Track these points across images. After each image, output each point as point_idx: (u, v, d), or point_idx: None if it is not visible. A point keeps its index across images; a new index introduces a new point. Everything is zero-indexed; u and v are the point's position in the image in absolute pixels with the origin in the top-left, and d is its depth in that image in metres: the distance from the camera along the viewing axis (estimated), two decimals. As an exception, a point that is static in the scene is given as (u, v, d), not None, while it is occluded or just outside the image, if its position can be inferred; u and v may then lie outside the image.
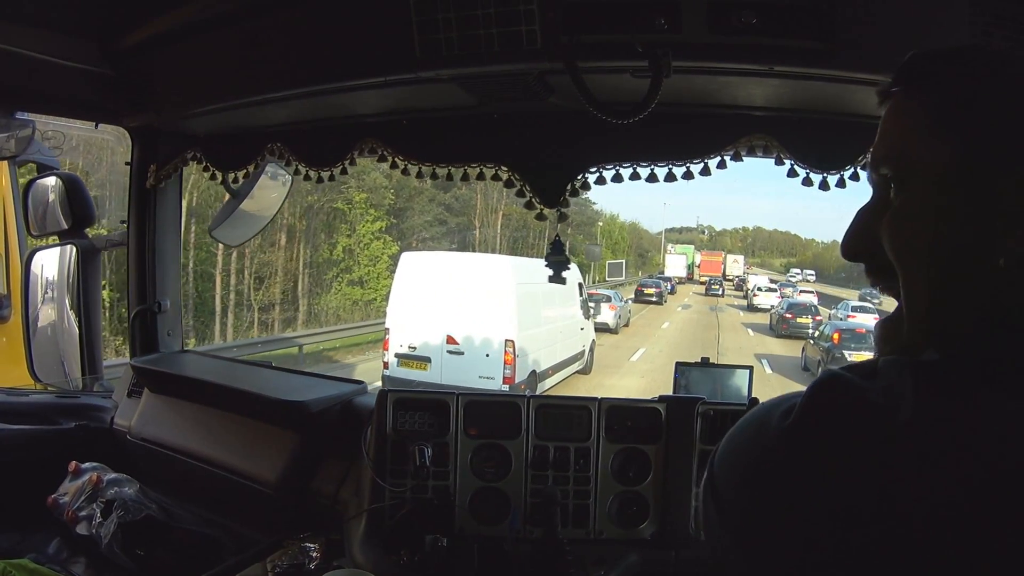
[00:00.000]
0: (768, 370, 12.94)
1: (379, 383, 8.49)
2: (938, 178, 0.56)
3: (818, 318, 18.66)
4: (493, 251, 24.61)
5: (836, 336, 12.98)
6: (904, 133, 0.59)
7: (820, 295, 31.19)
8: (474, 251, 21.93)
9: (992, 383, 0.48)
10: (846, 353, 12.32)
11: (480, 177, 1.54)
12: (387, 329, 9.09)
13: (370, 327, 15.82)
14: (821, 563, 0.47)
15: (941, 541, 0.44)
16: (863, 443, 0.48)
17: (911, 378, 0.49)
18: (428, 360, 8.64)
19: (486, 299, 8.48)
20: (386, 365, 8.97)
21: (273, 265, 19.87)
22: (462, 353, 8.50)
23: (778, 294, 30.30)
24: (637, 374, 12.30)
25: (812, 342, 14.46)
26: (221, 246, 16.23)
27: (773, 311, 22.57)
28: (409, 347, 8.78)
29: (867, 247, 0.61)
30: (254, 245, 17.90)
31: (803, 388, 0.54)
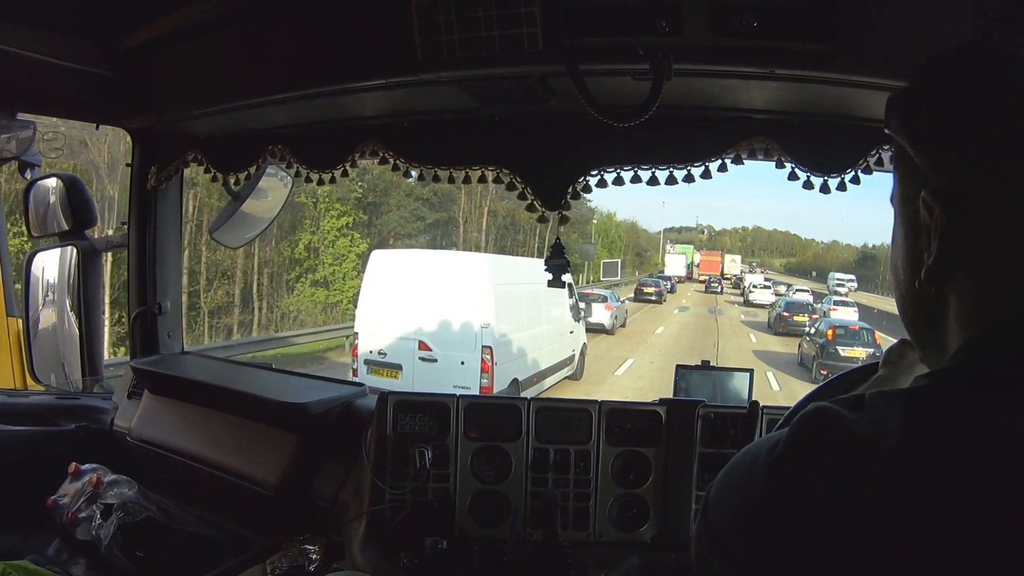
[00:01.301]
0: (776, 387, 11.88)
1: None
2: (897, 202, 0.60)
3: (814, 316, 19.13)
4: (479, 250, 22.63)
5: (830, 333, 13.21)
6: (894, 162, 0.62)
7: (815, 294, 31.58)
8: (458, 250, 19.97)
9: (975, 402, 0.48)
10: (839, 349, 12.59)
11: (482, 180, 1.54)
12: (356, 333, 8.43)
13: (331, 331, 14.82)
14: None
15: (926, 563, 0.44)
16: (848, 472, 0.48)
17: (900, 408, 0.49)
18: (399, 368, 7.98)
19: (461, 301, 7.82)
20: (355, 372, 8.22)
21: (222, 264, 17.77)
22: (435, 360, 7.84)
23: (771, 291, 32.54)
24: (619, 394, 10.66)
25: (808, 339, 14.69)
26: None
27: (772, 310, 23.37)
28: (379, 353, 8.09)
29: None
30: (201, 241, 16.18)
31: (811, 386, 0.54)
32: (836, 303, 21.72)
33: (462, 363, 7.75)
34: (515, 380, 8.38)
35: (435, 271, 8.32)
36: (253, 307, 18.81)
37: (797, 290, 33.80)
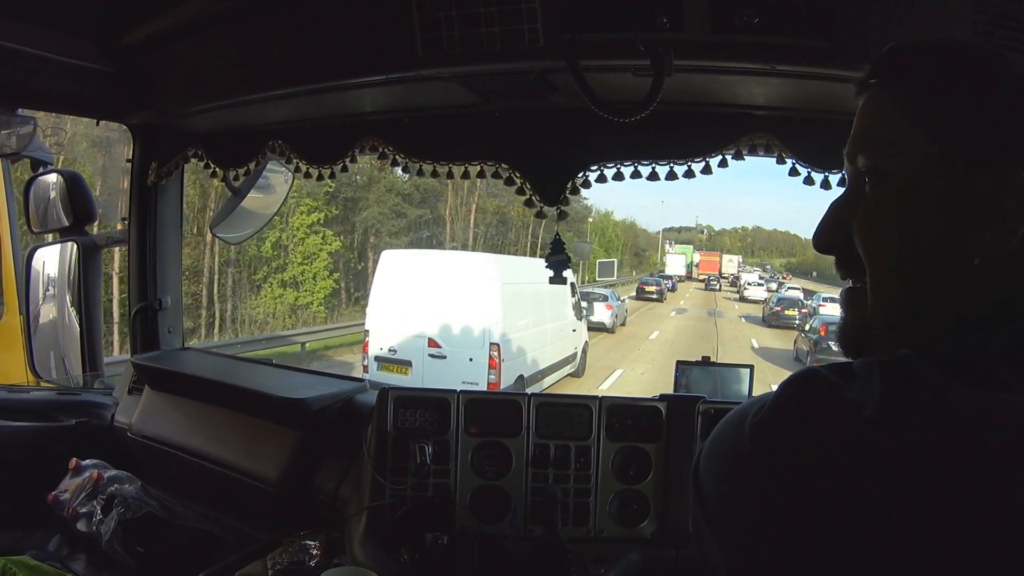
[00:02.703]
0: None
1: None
2: (915, 172, 0.56)
3: (803, 311, 21.72)
4: (466, 249, 22.29)
5: (823, 329, 13.98)
6: (882, 125, 0.59)
7: (805, 291, 33.92)
8: (444, 249, 19.47)
9: (960, 378, 0.48)
10: (831, 344, 13.12)
11: (481, 175, 1.55)
12: (367, 331, 8.81)
13: (307, 332, 14.28)
14: (797, 557, 0.47)
15: (904, 533, 0.44)
16: (831, 436, 0.47)
17: (879, 375, 0.49)
18: (409, 364, 8.33)
19: (469, 300, 8.17)
20: (365, 369, 8.64)
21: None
22: (444, 357, 8.19)
23: (764, 288, 36.44)
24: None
25: (802, 335, 15.51)
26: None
27: (766, 305, 26.00)
28: (389, 350, 8.46)
29: (839, 241, 0.61)
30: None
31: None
32: (825, 299, 23.48)
33: (471, 360, 8.03)
34: (520, 377, 8.69)
35: (445, 271, 8.57)
36: (215, 309, 17.74)
37: (789, 287, 36.91)
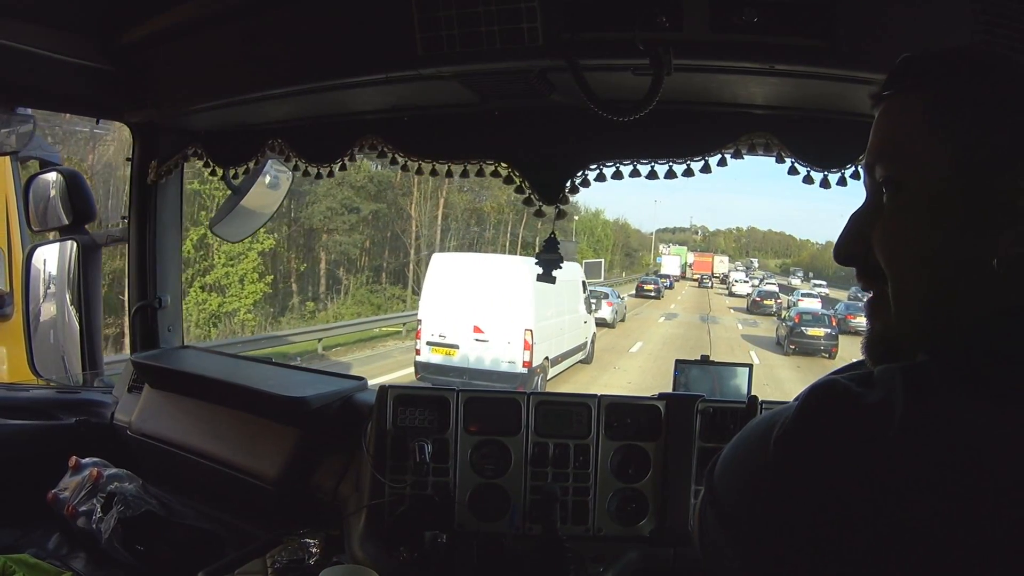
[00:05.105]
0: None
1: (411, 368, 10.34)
2: (932, 179, 0.56)
3: (778, 301, 28.14)
4: (433, 247, 21.59)
5: (797, 318, 16.85)
6: (898, 136, 0.59)
7: (781, 286, 40.29)
8: (411, 248, 20.72)
9: (978, 384, 0.49)
10: (804, 329, 16.29)
11: (480, 174, 1.55)
12: (419, 320, 10.32)
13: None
14: (824, 563, 0.48)
15: (931, 538, 0.45)
16: (857, 444, 0.48)
17: (901, 381, 0.49)
18: (456, 347, 9.85)
19: (507, 293, 9.66)
20: (418, 352, 10.12)
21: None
22: (487, 341, 9.71)
23: (750, 284, 43.47)
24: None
25: (781, 323, 18.63)
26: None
27: (749, 297, 32.59)
28: (440, 335, 9.97)
29: (860, 251, 0.62)
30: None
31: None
32: (803, 295, 30.34)
33: (508, 342, 9.64)
34: (546, 357, 10.31)
35: (486, 269, 10.37)
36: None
37: (767, 283, 44.57)
